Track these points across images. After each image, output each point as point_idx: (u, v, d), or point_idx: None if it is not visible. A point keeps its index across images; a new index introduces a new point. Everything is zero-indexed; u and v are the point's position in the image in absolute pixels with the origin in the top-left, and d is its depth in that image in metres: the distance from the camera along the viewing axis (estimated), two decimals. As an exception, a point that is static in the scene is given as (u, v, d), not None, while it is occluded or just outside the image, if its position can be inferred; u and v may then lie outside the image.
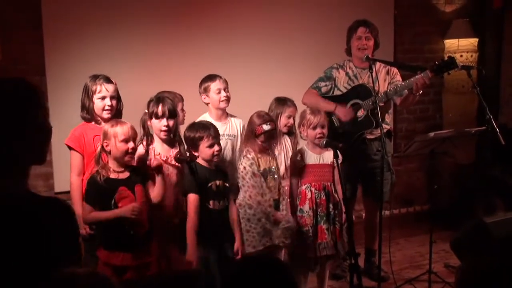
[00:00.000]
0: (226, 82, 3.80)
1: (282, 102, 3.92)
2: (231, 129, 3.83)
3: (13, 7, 4.26)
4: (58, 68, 4.37)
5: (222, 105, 3.77)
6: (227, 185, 3.44)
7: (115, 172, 3.09)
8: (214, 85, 3.75)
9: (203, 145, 3.32)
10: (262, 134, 3.52)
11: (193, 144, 3.35)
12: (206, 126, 3.37)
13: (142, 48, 4.61)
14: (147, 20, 4.62)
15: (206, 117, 3.80)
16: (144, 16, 4.61)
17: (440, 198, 5.36)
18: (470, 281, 1.57)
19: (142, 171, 3.21)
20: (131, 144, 3.08)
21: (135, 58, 4.58)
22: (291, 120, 3.91)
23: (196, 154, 3.37)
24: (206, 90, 3.78)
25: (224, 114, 3.85)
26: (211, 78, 3.79)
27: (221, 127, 3.74)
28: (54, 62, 4.37)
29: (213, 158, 3.36)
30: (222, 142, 3.68)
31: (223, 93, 3.75)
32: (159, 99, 3.35)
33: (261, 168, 3.55)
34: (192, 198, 3.28)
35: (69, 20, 4.38)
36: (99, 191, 3.04)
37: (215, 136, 3.36)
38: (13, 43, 4.26)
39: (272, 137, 3.57)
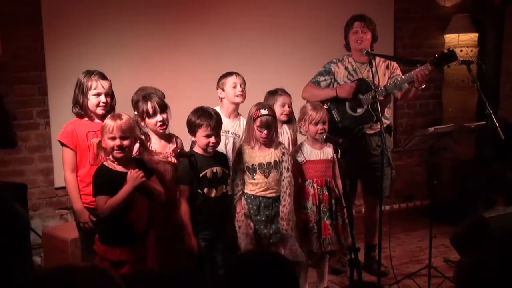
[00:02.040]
0: (243, 79, 3.85)
1: (272, 93, 3.94)
2: (238, 128, 3.85)
3: (13, 3, 4.26)
4: (58, 64, 4.37)
5: (237, 99, 3.81)
6: (226, 171, 3.45)
7: (119, 165, 3.08)
8: (230, 79, 3.80)
9: (200, 133, 3.32)
10: (259, 118, 3.49)
11: (192, 129, 3.36)
12: (210, 115, 3.34)
13: (142, 45, 4.61)
14: (147, 16, 4.63)
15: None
16: (145, 13, 4.62)
17: (440, 193, 5.36)
18: (470, 276, 1.58)
19: (147, 166, 3.20)
20: (117, 142, 3.02)
21: (135, 55, 4.59)
22: (286, 108, 3.90)
23: (193, 139, 3.37)
24: (222, 85, 3.82)
25: (235, 112, 3.87)
26: (228, 73, 3.85)
27: (229, 124, 3.79)
28: (54, 57, 4.38)
29: (207, 148, 3.36)
30: (225, 139, 3.72)
31: (238, 88, 3.79)
32: (145, 97, 3.37)
33: (250, 163, 3.53)
34: (183, 188, 3.33)
35: (69, 15, 4.39)
36: (109, 180, 3.03)
37: (215, 127, 3.33)
38: (13, 39, 4.26)
39: (269, 125, 3.50)
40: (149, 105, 3.31)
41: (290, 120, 3.97)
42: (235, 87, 3.80)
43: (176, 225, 3.35)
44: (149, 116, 3.32)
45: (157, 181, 3.22)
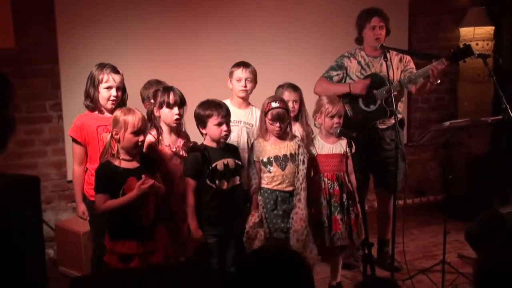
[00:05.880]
0: (252, 73, 3.76)
1: (279, 87, 3.89)
2: (250, 117, 3.81)
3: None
4: (71, 57, 4.38)
5: (241, 94, 3.77)
6: (238, 162, 3.43)
7: (125, 160, 3.06)
8: (237, 73, 3.76)
9: (211, 123, 3.29)
10: (270, 111, 3.47)
11: (202, 121, 3.33)
12: (218, 105, 3.33)
13: (154, 38, 4.61)
14: (159, 10, 4.62)
15: (228, 103, 3.77)
16: (157, 6, 4.62)
17: (454, 188, 5.33)
18: (489, 274, 1.55)
19: (152, 162, 3.19)
20: (141, 138, 3.04)
21: (147, 48, 4.59)
22: (289, 104, 3.72)
23: (204, 131, 3.34)
24: (230, 75, 3.79)
25: (245, 102, 3.83)
26: (238, 64, 3.80)
27: (241, 113, 3.77)
28: (67, 51, 4.39)
29: (220, 138, 3.33)
30: (238, 129, 3.71)
31: (242, 83, 3.74)
32: (167, 88, 3.34)
33: (266, 156, 3.51)
34: (189, 182, 3.29)
35: (82, 9, 4.40)
36: (110, 179, 3.00)
37: (225, 115, 3.32)
38: (26, 32, 4.28)
39: (280, 118, 3.46)
40: (171, 96, 3.28)
41: (297, 117, 3.88)
42: (239, 81, 3.75)
43: (183, 218, 3.35)
44: (169, 107, 3.29)
45: (160, 178, 3.19)
